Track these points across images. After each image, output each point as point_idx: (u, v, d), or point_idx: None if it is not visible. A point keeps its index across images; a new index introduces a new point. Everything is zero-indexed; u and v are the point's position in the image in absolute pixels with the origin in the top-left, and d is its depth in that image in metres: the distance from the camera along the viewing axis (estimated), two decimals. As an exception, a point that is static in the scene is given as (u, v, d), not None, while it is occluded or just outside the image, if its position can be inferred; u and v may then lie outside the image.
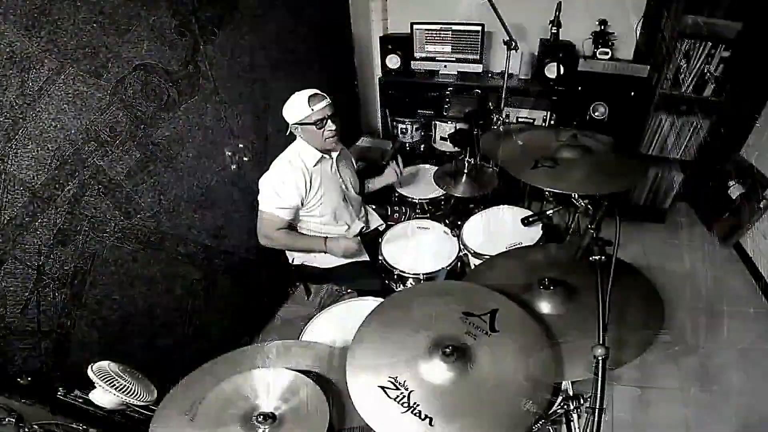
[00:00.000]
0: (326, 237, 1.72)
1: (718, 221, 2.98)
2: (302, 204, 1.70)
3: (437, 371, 0.91)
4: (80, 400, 1.17)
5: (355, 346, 1.02)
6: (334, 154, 1.80)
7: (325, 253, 1.72)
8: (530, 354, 0.93)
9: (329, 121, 1.64)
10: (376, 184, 2.12)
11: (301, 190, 1.66)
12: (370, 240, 1.95)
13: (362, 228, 2.00)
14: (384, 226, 2.11)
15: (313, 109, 1.60)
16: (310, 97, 1.61)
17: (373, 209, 2.16)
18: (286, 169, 1.67)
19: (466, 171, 2.01)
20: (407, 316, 1.10)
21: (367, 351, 1.02)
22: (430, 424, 0.84)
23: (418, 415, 0.86)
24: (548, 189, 1.35)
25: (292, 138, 1.75)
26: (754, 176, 2.71)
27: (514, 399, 0.85)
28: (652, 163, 2.88)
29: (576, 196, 1.36)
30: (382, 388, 0.91)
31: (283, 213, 1.66)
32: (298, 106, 1.62)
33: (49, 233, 1.22)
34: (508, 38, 2.16)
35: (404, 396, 0.89)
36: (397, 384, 0.92)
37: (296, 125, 1.65)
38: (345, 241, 1.70)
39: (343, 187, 1.87)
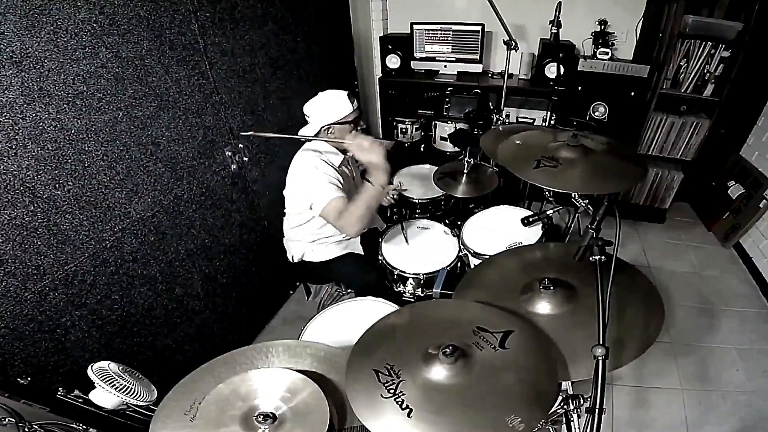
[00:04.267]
0: (363, 181, 1.58)
1: (718, 221, 2.98)
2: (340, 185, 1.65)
3: (434, 369, 0.92)
4: (80, 400, 1.18)
5: (367, 332, 1.07)
6: (349, 155, 1.78)
7: (382, 186, 1.53)
8: (532, 377, 0.92)
9: (360, 120, 1.68)
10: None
11: (338, 179, 1.63)
12: (370, 240, 1.95)
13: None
14: (384, 227, 2.11)
15: (353, 107, 1.61)
16: (347, 94, 1.60)
17: None
18: (317, 162, 1.62)
19: (466, 171, 2.01)
20: (423, 319, 1.13)
21: (374, 337, 1.06)
22: (408, 415, 0.85)
23: (399, 404, 0.87)
24: (551, 188, 1.35)
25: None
26: (754, 176, 2.71)
27: (502, 413, 0.83)
28: (652, 163, 2.88)
29: (576, 196, 1.36)
30: (376, 371, 0.93)
31: (337, 194, 1.57)
32: (340, 104, 1.59)
33: (49, 233, 1.22)
34: (508, 38, 2.16)
35: (393, 383, 0.91)
36: (391, 371, 0.93)
37: (332, 125, 1.61)
38: (366, 156, 1.50)
39: (356, 188, 1.87)
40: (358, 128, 1.67)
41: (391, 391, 0.89)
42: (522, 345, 0.98)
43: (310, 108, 1.64)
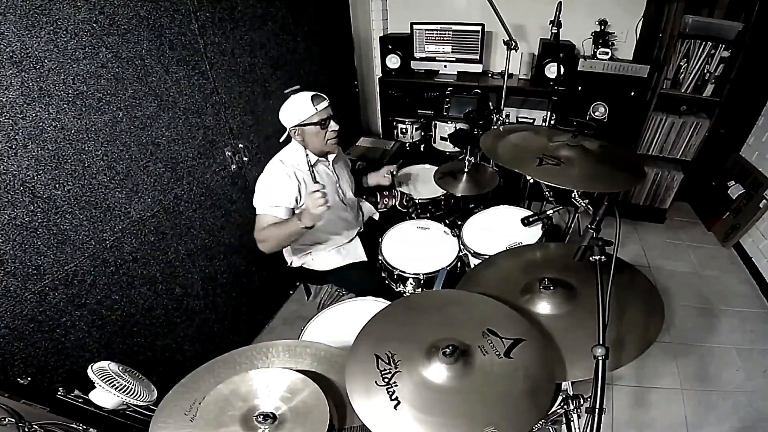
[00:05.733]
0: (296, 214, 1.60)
1: (718, 221, 2.98)
2: (297, 204, 1.66)
3: (432, 365, 0.91)
4: (80, 400, 1.18)
5: (380, 314, 1.08)
6: (331, 157, 1.79)
7: (307, 228, 1.53)
8: (527, 393, 0.89)
9: (332, 121, 1.65)
10: (370, 181, 2.12)
11: (294, 190, 1.63)
12: (370, 240, 1.95)
13: (360, 229, 2.00)
14: (378, 215, 2.10)
15: (317, 109, 1.60)
16: (312, 96, 1.60)
17: (364, 199, 2.15)
18: (278, 169, 1.64)
19: (466, 170, 2.01)
20: (436, 312, 1.11)
21: (385, 321, 1.07)
22: (395, 407, 0.85)
23: (390, 394, 0.87)
24: (554, 185, 1.35)
25: (287, 142, 1.73)
26: (754, 176, 2.71)
27: (482, 422, 0.82)
28: (652, 163, 2.88)
29: (576, 195, 1.36)
30: (377, 356, 0.95)
31: (277, 211, 1.61)
32: (301, 107, 1.60)
33: (49, 233, 1.22)
34: (508, 38, 2.16)
35: (390, 372, 0.91)
36: (392, 360, 0.94)
37: (297, 127, 1.63)
38: (309, 202, 1.49)
39: (341, 191, 1.86)
40: (327, 129, 1.65)
41: (386, 380, 0.90)
42: (527, 357, 0.95)
43: (280, 112, 1.65)
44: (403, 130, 3.23)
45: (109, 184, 1.38)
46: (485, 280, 1.33)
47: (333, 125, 1.66)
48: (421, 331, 1.01)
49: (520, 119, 2.96)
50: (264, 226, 1.62)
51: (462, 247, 1.77)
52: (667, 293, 2.48)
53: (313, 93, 1.62)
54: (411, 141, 3.24)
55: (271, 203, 1.62)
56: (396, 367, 0.93)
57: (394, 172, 2.05)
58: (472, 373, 0.91)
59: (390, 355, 0.95)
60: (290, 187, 1.63)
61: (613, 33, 2.71)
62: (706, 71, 2.49)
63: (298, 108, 1.61)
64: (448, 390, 0.89)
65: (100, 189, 1.35)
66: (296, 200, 1.65)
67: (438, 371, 0.91)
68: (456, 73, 3.07)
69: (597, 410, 0.77)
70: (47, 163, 1.19)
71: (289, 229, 1.57)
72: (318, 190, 1.47)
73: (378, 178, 2.09)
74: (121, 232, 1.44)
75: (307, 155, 1.66)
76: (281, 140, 1.71)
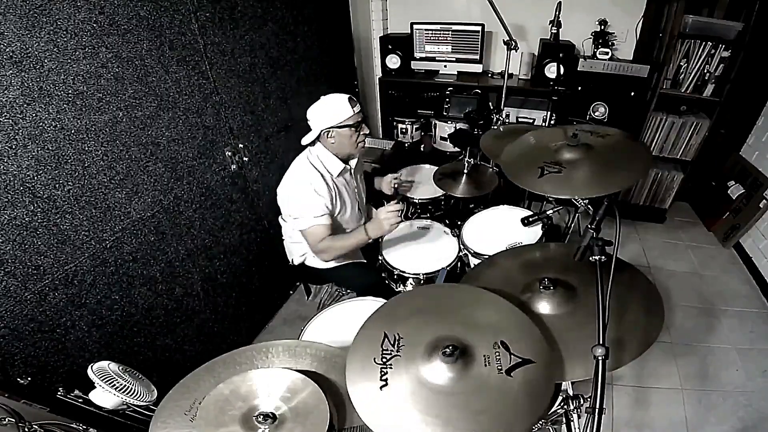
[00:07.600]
0: (363, 225, 1.59)
1: (718, 221, 2.98)
2: (332, 209, 1.64)
3: (430, 361, 0.91)
4: (80, 400, 1.18)
5: (406, 294, 1.13)
6: (353, 162, 1.77)
7: (370, 239, 1.57)
8: (512, 416, 0.85)
9: (364, 124, 1.64)
10: (375, 184, 2.10)
11: (328, 196, 1.61)
12: (371, 243, 1.95)
13: None
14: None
15: (354, 111, 1.58)
16: (349, 98, 1.58)
17: (372, 205, 2.15)
18: (313, 176, 1.60)
19: (466, 171, 2.01)
20: (458, 308, 1.09)
21: (409, 301, 1.09)
22: (380, 388, 0.87)
23: (382, 374, 0.89)
24: (559, 196, 1.32)
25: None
26: (754, 176, 2.71)
27: (459, 429, 0.81)
28: (652, 163, 2.88)
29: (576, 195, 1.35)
30: (385, 334, 0.96)
31: (323, 219, 1.59)
32: (339, 108, 1.57)
33: (49, 233, 1.22)
34: (508, 38, 2.16)
35: (390, 354, 0.92)
36: (396, 343, 0.95)
37: (331, 129, 1.59)
38: (383, 215, 1.52)
39: (358, 196, 1.86)
40: (360, 132, 1.64)
41: (384, 360, 0.91)
42: (527, 381, 0.89)
43: (310, 112, 1.62)
44: (403, 130, 3.23)
45: (109, 184, 1.37)
46: (485, 279, 1.33)
47: (365, 129, 1.65)
48: (434, 322, 1.01)
49: (520, 119, 2.96)
50: (319, 238, 1.59)
51: (462, 247, 1.77)
52: (667, 293, 2.48)
53: (348, 95, 1.59)
54: (411, 141, 3.25)
55: (313, 213, 1.58)
56: (398, 351, 0.93)
57: (398, 182, 2.02)
58: (467, 378, 0.89)
59: (396, 337, 0.95)
60: (327, 194, 1.60)
61: (613, 33, 2.71)
62: (706, 71, 2.49)
63: (336, 109, 1.57)
64: (436, 388, 0.88)
65: (100, 189, 1.35)
66: (331, 205, 1.62)
67: (434, 367, 0.90)
68: (456, 73, 3.07)
69: (597, 410, 0.77)
70: (47, 163, 1.19)
71: (355, 240, 1.58)
72: (397, 209, 1.50)
73: (383, 184, 2.06)
74: (121, 232, 1.44)
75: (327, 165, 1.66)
76: (307, 142, 1.67)
